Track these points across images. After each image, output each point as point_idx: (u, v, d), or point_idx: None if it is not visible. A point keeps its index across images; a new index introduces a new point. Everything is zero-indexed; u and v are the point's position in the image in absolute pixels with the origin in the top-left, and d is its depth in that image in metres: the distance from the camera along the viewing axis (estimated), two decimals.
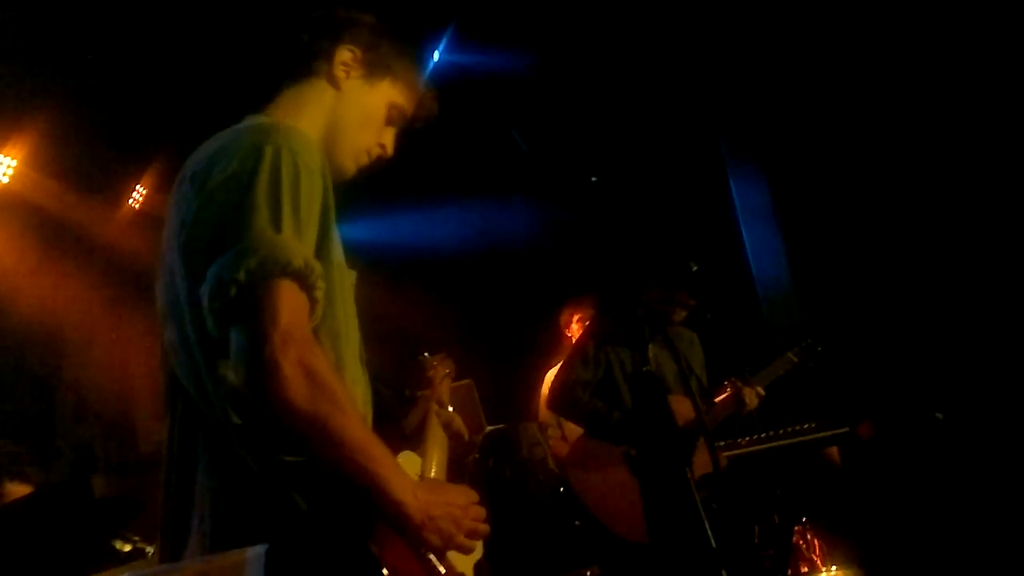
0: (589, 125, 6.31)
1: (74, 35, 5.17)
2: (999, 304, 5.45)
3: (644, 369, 3.69)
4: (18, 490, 4.11)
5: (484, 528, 1.75)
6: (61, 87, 5.36)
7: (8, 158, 5.42)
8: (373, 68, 2.04)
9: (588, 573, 4.57)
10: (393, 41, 2.09)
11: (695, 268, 4.29)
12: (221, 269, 1.56)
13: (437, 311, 6.66)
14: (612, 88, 6.27)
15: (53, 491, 3.26)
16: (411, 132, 2.16)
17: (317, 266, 1.61)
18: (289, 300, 1.55)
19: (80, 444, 5.90)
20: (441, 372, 2.87)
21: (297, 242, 1.60)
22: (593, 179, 5.79)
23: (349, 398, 1.58)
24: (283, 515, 1.57)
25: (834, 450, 4.80)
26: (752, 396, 4.31)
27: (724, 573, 2.18)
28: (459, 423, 2.54)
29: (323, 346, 1.65)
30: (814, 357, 4.42)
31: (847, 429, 4.57)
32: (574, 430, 5.04)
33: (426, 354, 3.01)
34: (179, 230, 1.71)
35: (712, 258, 4.77)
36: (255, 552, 1.38)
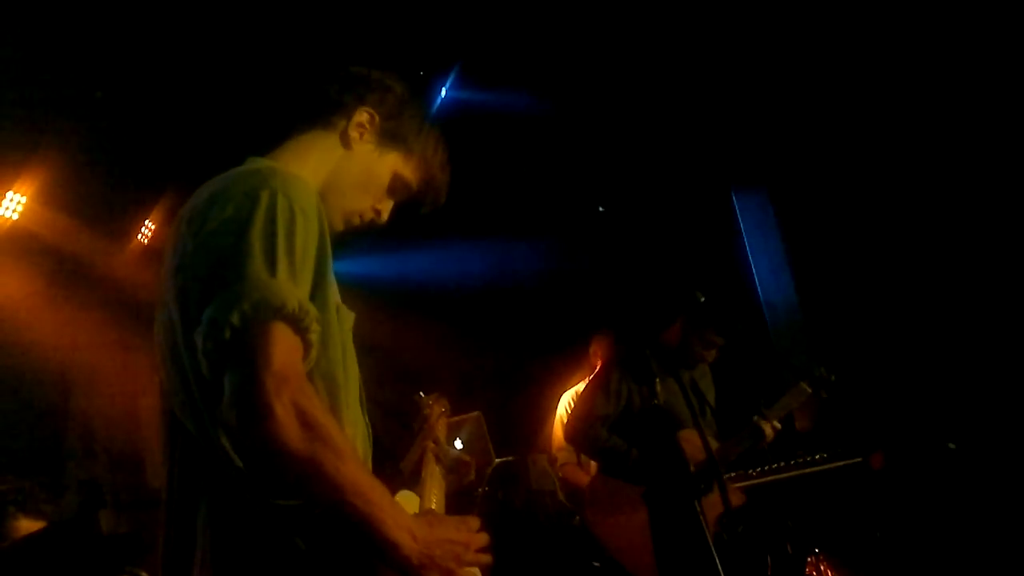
0: (596, 156, 6.34)
1: (84, 71, 5.21)
2: (1011, 333, 5.43)
3: (653, 403, 3.70)
4: (30, 525, 4.10)
5: (486, 559, 1.73)
6: (70, 123, 5.39)
7: (18, 195, 5.45)
8: (388, 137, 2.05)
9: None
10: (417, 115, 2.10)
11: (702, 299, 4.31)
12: (215, 312, 1.56)
13: (444, 344, 6.65)
14: (618, 119, 6.29)
15: (62, 527, 3.24)
16: (413, 211, 2.16)
17: (312, 309, 1.61)
18: (283, 343, 1.55)
19: (88, 479, 5.88)
20: (436, 411, 2.81)
21: (292, 285, 1.60)
22: (600, 209, 5.81)
23: (345, 440, 1.56)
24: (283, 557, 1.57)
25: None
26: (769, 430, 4.29)
27: None
28: (457, 456, 2.53)
29: (317, 389, 1.65)
30: (827, 387, 4.40)
31: (859, 459, 4.55)
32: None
33: (421, 394, 2.95)
34: (175, 273, 1.72)
35: (721, 288, 4.78)
36: None
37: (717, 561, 2.66)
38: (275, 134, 2.02)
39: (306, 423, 1.50)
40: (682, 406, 4.45)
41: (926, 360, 5.61)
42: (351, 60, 2.12)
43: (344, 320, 1.82)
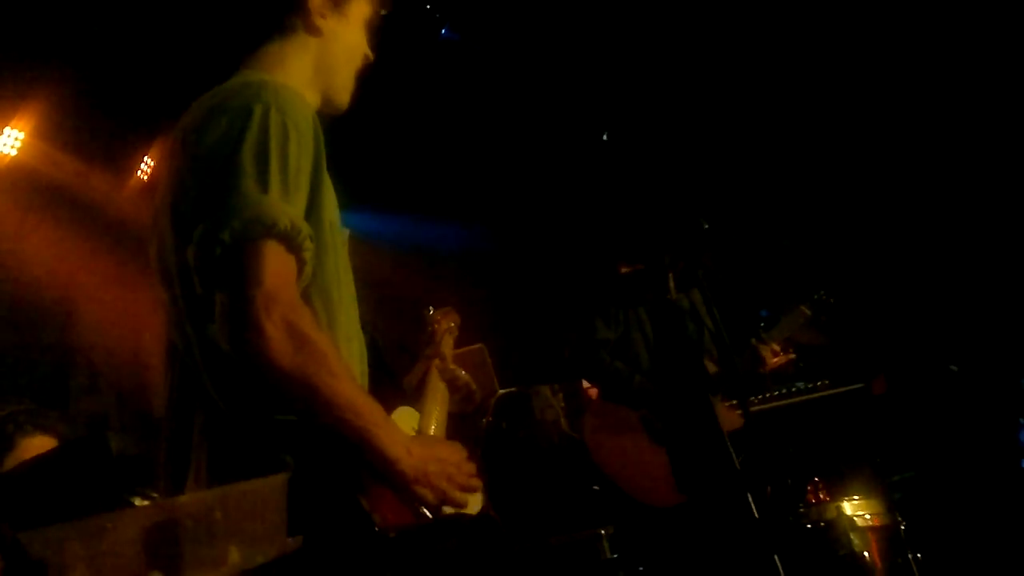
0: (599, 83, 6.26)
1: (80, 7, 5.15)
2: (1006, 254, 5.44)
3: (667, 297, 3.71)
4: (44, 443, 4.13)
5: (477, 483, 1.75)
6: (67, 59, 5.33)
7: (16, 130, 5.41)
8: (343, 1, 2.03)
9: (603, 532, 4.59)
10: None
11: (706, 227, 4.29)
12: (206, 230, 1.57)
13: (447, 275, 6.66)
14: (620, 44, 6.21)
15: (76, 445, 3.27)
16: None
17: (305, 227, 1.61)
18: (274, 261, 1.56)
19: (95, 413, 5.92)
20: (444, 326, 2.79)
21: (284, 203, 1.60)
22: (604, 136, 5.78)
23: (338, 356, 1.58)
24: (271, 472, 1.58)
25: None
26: (768, 353, 4.30)
27: (749, 496, 2.17)
28: (463, 377, 2.50)
29: (313, 306, 1.66)
30: (827, 310, 4.41)
31: (861, 385, 4.58)
32: None
33: (430, 308, 2.92)
34: (168, 192, 1.73)
35: (723, 214, 4.76)
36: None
37: (732, 452, 2.65)
38: (250, 47, 1.99)
39: (297, 340, 1.51)
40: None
41: (926, 283, 5.63)
42: None
43: (338, 236, 1.82)
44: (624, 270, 5.65)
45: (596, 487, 4.53)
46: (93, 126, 5.73)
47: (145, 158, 6.14)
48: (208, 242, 1.56)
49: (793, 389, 4.68)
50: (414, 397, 2.28)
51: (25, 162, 5.50)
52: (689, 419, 3.96)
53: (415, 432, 1.96)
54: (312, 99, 1.97)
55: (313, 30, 1.99)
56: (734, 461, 2.38)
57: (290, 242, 1.58)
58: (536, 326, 6.44)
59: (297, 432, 1.58)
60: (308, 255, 1.63)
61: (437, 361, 2.45)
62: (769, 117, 6.13)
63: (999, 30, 5.38)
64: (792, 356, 4.40)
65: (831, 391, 4.61)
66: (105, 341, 6.09)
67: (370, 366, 1.87)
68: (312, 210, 1.70)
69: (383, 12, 2.14)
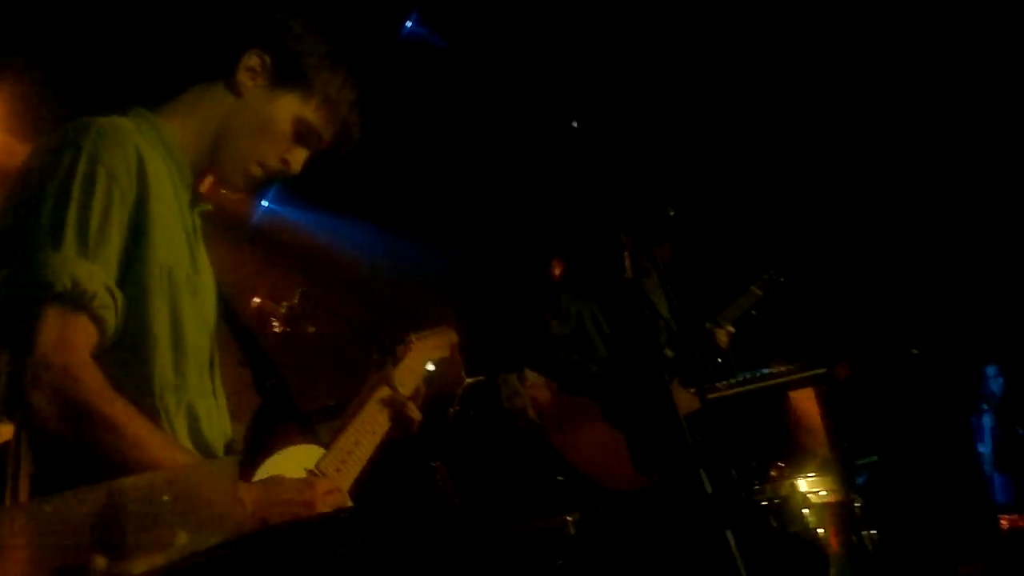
0: (569, 70, 6.25)
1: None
2: (969, 241, 5.50)
3: (624, 277, 3.71)
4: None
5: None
6: (27, 49, 5.27)
7: None
8: (283, 78, 1.90)
9: (568, 519, 4.60)
10: (319, 52, 1.93)
11: (672, 213, 4.31)
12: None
13: (412, 265, 6.63)
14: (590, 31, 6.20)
15: None
16: (328, 156, 2.01)
17: (91, 284, 1.55)
18: (50, 326, 1.51)
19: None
20: (415, 353, 2.35)
21: (76, 259, 1.55)
22: (574, 124, 5.76)
23: (131, 418, 1.53)
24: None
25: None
26: (723, 335, 4.32)
27: (702, 473, 2.15)
28: (412, 411, 2.14)
29: (120, 361, 1.61)
30: (778, 288, 4.44)
31: (824, 371, 4.61)
32: None
33: (412, 334, 2.44)
34: None
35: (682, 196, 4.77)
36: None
37: (687, 431, 2.62)
38: (174, 86, 1.93)
39: (68, 408, 1.47)
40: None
41: (890, 270, 5.67)
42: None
43: (182, 283, 1.74)
44: (558, 269, 5.71)
45: (560, 478, 4.54)
46: (53, 116, 5.65)
47: None
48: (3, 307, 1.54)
49: (757, 375, 4.70)
50: (333, 430, 2.00)
51: None
52: (646, 398, 3.97)
53: (307, 473, 1.83)
54: (203, 156, 1.89)
55: (233, 86, 1.88)
56: (687, 440, 2.35)
57: (75, 302, 1.53)
58: (503, 313, 6.42)
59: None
60: (105, 312, 1.57)
61: (384, 389, 2.14)
62: (731, 99, 6.14)
63: (971, 27, 5.42)
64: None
65: (795, 376, 4.64)
66: None
67: (271, 406, 1.79)
68: (133, 256, 1.65)
69: (333, 143, 1.99)
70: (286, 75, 1.89)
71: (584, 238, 5.12)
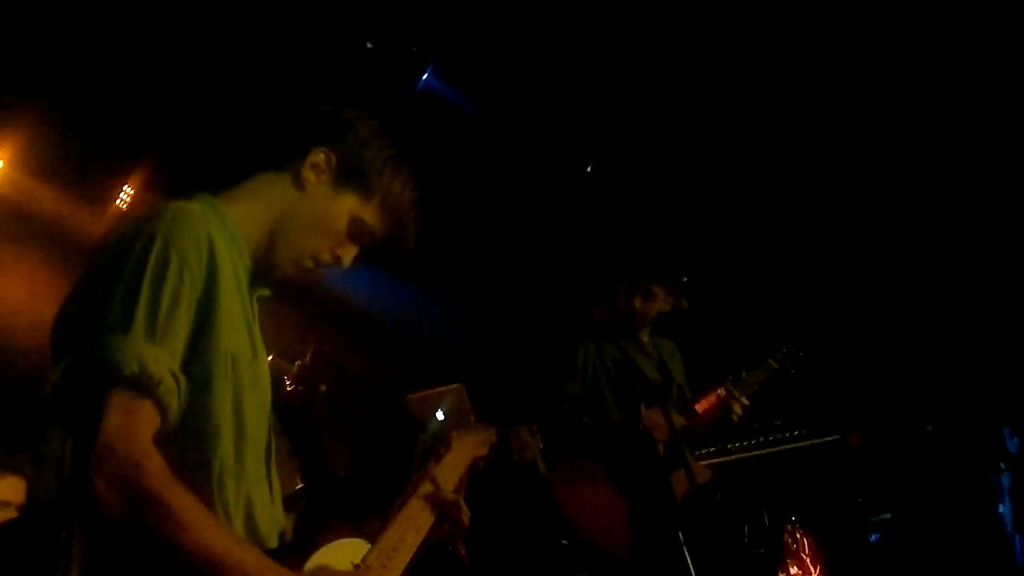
0: (585, 117, 6.26)
1: (60, 34, 5.11)
2: (990, 318, 5.47)
3: (640, 428, 3.72)
4: (13, 484, 4.10)
5: None
6: (46, 87, 5.30)
7: None
8: (346, 177, 1.95)
9: None
10: (383, 156, 2.00)
11: (685, 279, 4.30)
12: (58, 374, 1.57)
13: (426, 314, 6.62)
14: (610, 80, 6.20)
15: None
16: (381, 257, 2.06)
17: (158, 370, 1.56)
18: (116, 411, 1.53)
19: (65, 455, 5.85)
20: (458, 450, 2.35)
21: (144, 344, 1.57)
22: (588, 169, 5.76)
23: (192, 506, 1.53)
24: None
25: None
26: (738, 407, 4.29)
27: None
28: (456, 507, 2.14)
29: (182, 448, 1.62)
30: (796, 363, 4.41)
31: (838, 436, 4.59)
32: None
33: (454, 432, 2.44)
34: (64, 300, 1.72)
35: (694, 261, 4.76)
36: None
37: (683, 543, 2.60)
38: (238, 172, 1.97)
39: (132, 495, 1.48)
40: (650, 379, 4.48)
41: (906, 342, 5.64)
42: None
43: (244, 369, 1.76)
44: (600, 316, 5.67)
45: (565, 542, 4.51)
46: (71, 156, 5.68)
47: (124, 187, 6.10)
48: (57, 387, 1.57)
49: (771, 439, 4.69)
50: (380, 527, 2.05)
51: (2, 193, 5.45)
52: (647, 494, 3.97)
53: (353, 567, 1.84)
54: (259, 243, 1.93)
55: (297, 181, 1.93)
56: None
57: (141, 387, 1.55)
58: (515, 364, 6.40)
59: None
60: (170, 398, 1.58)
61: (427, 486, 2.14)
62: (747, 167, 6.14)
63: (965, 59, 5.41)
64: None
65: (808, 442, 4.62)
66: None
67: (318, 495, 1.80)
68: (200, 342, 1.67)
69: (386, 244, 2.05)
70: (349, 175, 1.95)
71: (602, 285, 5.11)
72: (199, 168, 5.45)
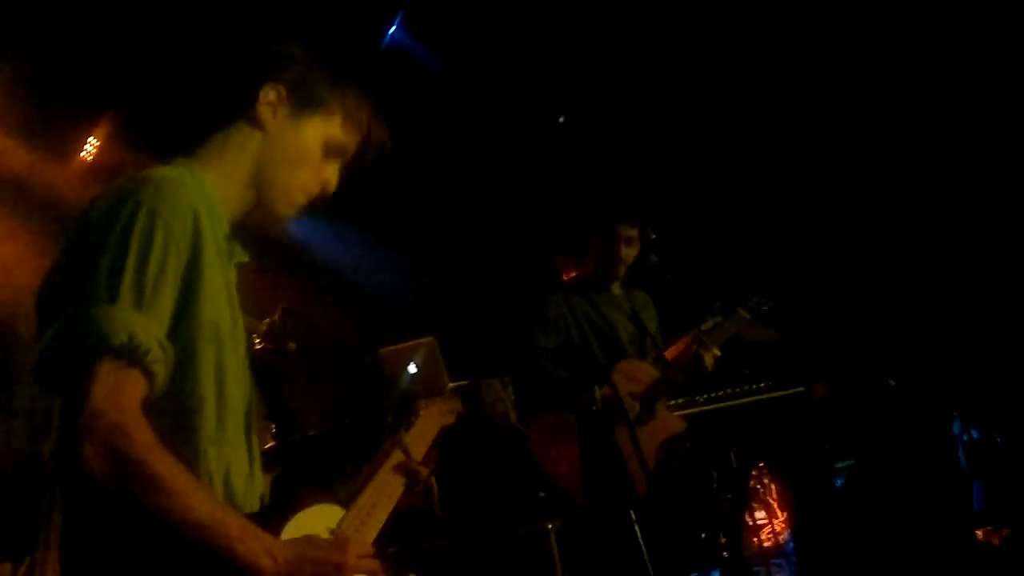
0: (558, 65, 6.21)
1: None
2: (959, 275, 5.53)
3: (593, 408, 3.75)
4: None
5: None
6: (8, 40, 5.20)
7: None
8: (302, 105, 1.96)
9: (550, 526, 4.64)
10: (328, 72, 2.01)
11: (653, 236, 4.32)
12: (45, 343, 1.57)
13: (398, 268, 6.61)
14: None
15: None
16: (363, 165, 2.07)
17: (147, 338, 1.58)
18: (104, 379, 1.54)
19: (39, 395, 5.85)
20: (427, 420, 2.44)
21: (132, 313, 1.58)
22: (561, 119, 5.73)
23: (177, 471, 1.55)
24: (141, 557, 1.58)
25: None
26: (710, 358, 4.32)
27: None
28: (427, 476, 2.30)
29: (166, 415, 1.64)
30: (766, 313, 4.45)
31: (802, 388, 4.66)
32: None
33: (410, 379, 2.64)
34: (47, 271, 1.72)
35: (669, 213, 4.77)
36: None
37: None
38: (200, 129, 1.95)
39: (119, 461, 1.50)
40: (623, 331, 4.52)
41: (871, 297, 5.71)
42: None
43: (226, 337, 1.78)
44: (568, 273, 5.69)
45: (542, 494, 4.57)
46: (34, 107, 5.60)
47: (89, 139, 6.03)
48: (44, 355, 1.57)
49: (736, 390, 4.75)
50: (353, 492, 2.11)
51: None
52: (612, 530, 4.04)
53: (329, 532, 1.88)
54: (245, 198, 1.93)
55: (256, 123, 1.93)
56: None
57: (129, 356, 1.56)
58: (485, 317, 6.43)
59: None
60: (157, 366, 1.60)
61: (398, 454, 2.20)
62: (721, 115, 6.12)
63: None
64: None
65: (773, 394, 4.69)
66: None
67: (293, 458, 1.84)
68: (185, 312, 1.68)
69: (363, 151, 2.06)
70: (305, 101, 1.96)
71: (573, 238, 5.11)
72: (162, 121, 5.38)
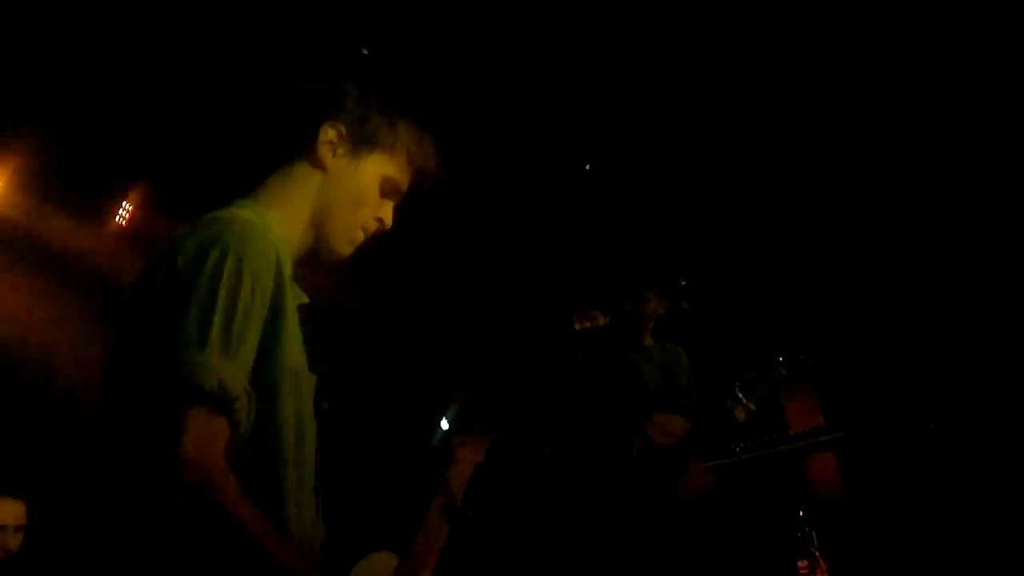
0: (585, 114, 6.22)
1: (56, 50, 5.12)
2: (995, 317, 5.45)
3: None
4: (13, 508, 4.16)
5: None
6: (42, 107, 5.31)
7: None
8: (361, 143, 1.98)
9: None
10: (382, 110, 2.03)
11: (683, 283, 4.29)
12: (134, 387, 1.58)
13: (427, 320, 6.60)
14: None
15: None
16: (420, 198, 2.11)
17: (236, 386, 1.58)
18: (194, 427, 1.52)
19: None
20: (465, 458, 2.54)
21: (222, 358, 1.57)
22: (587, 167, 5.73)
23: (261, 525, 1.55)
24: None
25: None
26: (742, 412, 4.27)
27: None
28: (469, 515, 2.37)
29: (249, 461, 1.63)
30: (804, 371, 4.40)
31: (840, 435, 4.59)
32: None
33: (455, 438, 2.66)
34: (127, 318, 1.72)
35: (701, 264, 4.75)
36: None
37: None
38: (258, 172, 1.98)
39: (210, 511, 1.49)
40: (653, 384, 4.48)
41: (910, 340, 5.64)
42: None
43: (302, 384, 1.77)
44: (579, 325, 5.66)
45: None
46: (69, 173, 5.69)
47: (123, 204, 6.12)
48: (133, 398, 1.58)
49: (775, 437, 4.69)
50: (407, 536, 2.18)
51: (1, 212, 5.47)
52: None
53: None
54: (305, 238, 1.96)
55: (318, 164, 1.96)
56: None
57: (219, 404, 1.55)
58: (515, 370, 6.40)
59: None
60: (242, 414, 1.59)
61: (441, 496, 2.30)
62: (744, 171, 6.12)
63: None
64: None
65: (813, 439, 4.62)
66: (84, 386, 6.05)
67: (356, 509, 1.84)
68: (267, 356, 1.68)
69: (420, 185, 2.09)
70: (364, 139, 1.98)
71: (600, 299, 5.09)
72: (201, 179, 5.45)
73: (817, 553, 5.48)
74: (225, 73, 5.24)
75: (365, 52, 5.49)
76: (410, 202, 2.13)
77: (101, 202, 6.05)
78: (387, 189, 2.02)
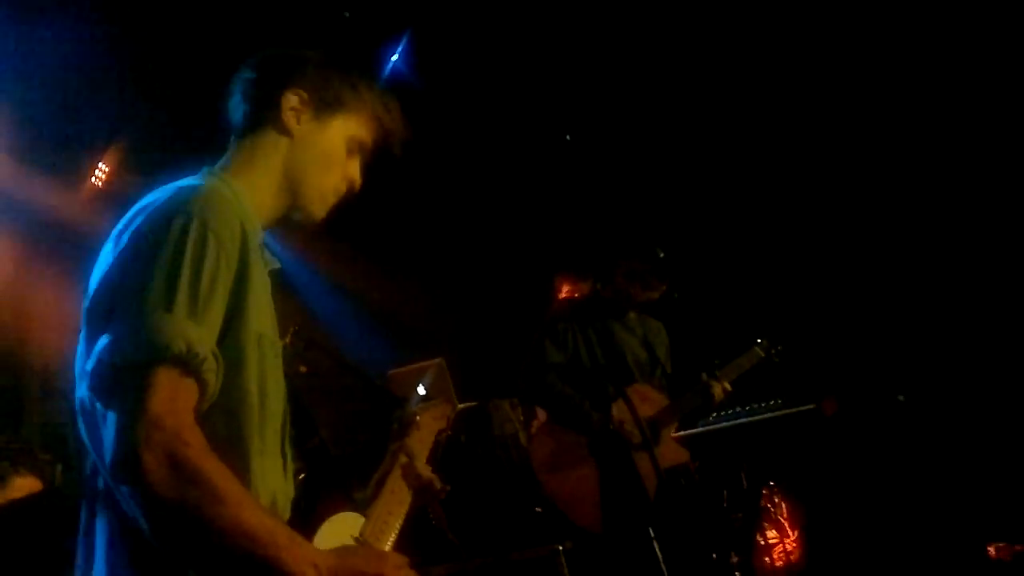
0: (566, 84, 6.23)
1: (31, 13, 5.06)
2: (967, 292, 5.53)
3: (610, 427, 3.76)
4: (31, 484, 4.14)
5: None
6: (22, 66, 5.25)
7: None
8: (324, 107, 2.00)
9: (560, 548, 4.64)
10: (343, 73, 2.05)
11: (661, 255, 4.33)
12: (102, 350, 1.56)
13: (409, 287, 6.62)
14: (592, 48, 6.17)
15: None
16: (389, 156, 2.12)
17: (204, 348, 1.59)
18: (163, 387, 1.54)
19: (48, 421, 5.87)
20: (427, 422, 2.54)
21: (189, 321, 1.59)
22: (567, 137, 5.74)
23: (229, 480, 1.55)
24: None
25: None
26: (719, 391, 4.32)
27: None
28: (431, 477, 2.38)
29: (215, 425, 1.65)
30: (781, 351, 4.46)
31: (812, 406, 4.66)
32: None
33: (419, 400, 2.73)
34: (89, 291, 1.71)
35: (682, 242, 4.78)
36: None
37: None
38: (225, 139, 1.99)
39: (178, 470, 1.49)
40: (631, 357, 4.53)
41: (880, 314, 5.71)
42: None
43: (269, 348, 1.78)
44: (565, 294, 5.70)
45: (538, 509, 4.58)
46: (45, 134, 5.65)
47: (99, 164, 6.08)
48: (102, 363, 1.56)
49: (746, 408, 4.76)
50: (367, 499, 2.18)
51: None
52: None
53: (355, 541, 1.92)
54: (278, 203, 1.97)
55: (283, 130, 1.97)
56: None
57: (186, 365, 1.57)
58: (496, 338, 6.43)
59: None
60: (210, 375, 1.61)
61: (403, 458, 2.26)
62: (731, 150, 6.14)
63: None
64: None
65: (783, 411, 4.69)
66: (58, 348, 6.02)
67: (317, 469, 1.85)
68: (233, 323, 1.69)
69: (387, 144, 2.10)
70: (327, 103, 2.00)
71: (583, 260, 5.12)
72: (175, 143, 5.43)
73: (786, 522, 5.59)
74: (204, 35, 5.22)
75: (347, 15, 5.49)
76: (391, 166, 2.15)
77: (76, 163, 6.00)
78: (353, 148, 2.04)
